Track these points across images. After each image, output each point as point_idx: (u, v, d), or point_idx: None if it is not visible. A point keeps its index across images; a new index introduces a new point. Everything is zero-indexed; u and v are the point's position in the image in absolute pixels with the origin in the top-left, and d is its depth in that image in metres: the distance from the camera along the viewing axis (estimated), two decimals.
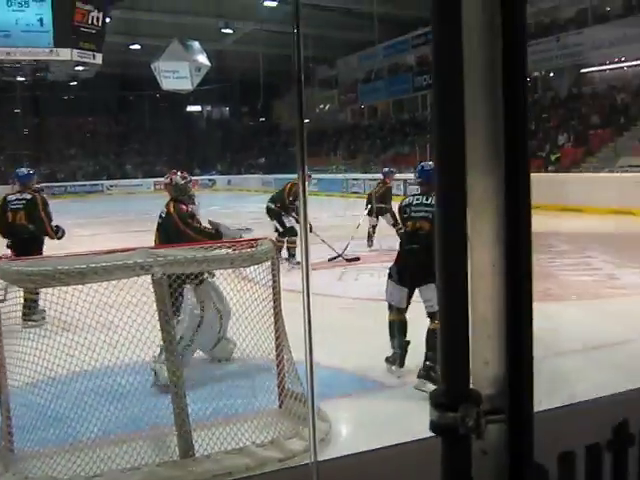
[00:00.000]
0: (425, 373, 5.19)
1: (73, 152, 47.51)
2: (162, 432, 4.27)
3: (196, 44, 23.58)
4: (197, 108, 53.22)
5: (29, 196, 8.53)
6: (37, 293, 6.31)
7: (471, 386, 0.92)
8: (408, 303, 5.65)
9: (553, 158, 25.10)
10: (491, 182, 0.90)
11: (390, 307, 5.73)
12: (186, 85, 23.18)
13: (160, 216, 6.30)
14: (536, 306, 0.92)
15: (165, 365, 4.28)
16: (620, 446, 1.71)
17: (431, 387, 4.26)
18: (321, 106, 46.78)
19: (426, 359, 5.25)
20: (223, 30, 36.82)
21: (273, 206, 11.78)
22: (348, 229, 13.55)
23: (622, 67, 28.41)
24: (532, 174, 0.92)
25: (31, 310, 6.28)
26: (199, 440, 4.04)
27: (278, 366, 4.71)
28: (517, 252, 0.89)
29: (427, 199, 5.60)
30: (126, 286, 4.14)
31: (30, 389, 4.15)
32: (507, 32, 0.90)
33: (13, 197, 8.57)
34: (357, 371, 5.81)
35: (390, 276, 5.65)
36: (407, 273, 5.50)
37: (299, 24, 1.40)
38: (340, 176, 33.19)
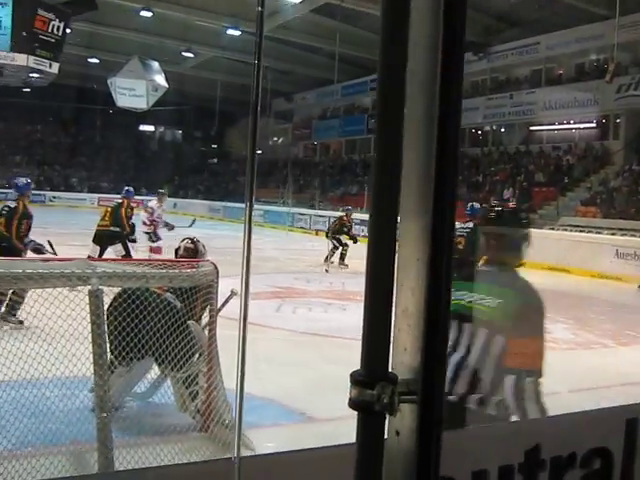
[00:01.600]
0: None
1: (18, 159, 46.55)
2: (82, 448, 4.16)
3: (155, 64, 23.53)
4: (150, 128, 52.80)
5: (13, 205, 8.75)
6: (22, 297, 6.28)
7: (390, 370, 1.00)
8: None
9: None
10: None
11: None
12: (141, 104, 23.08)
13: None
14: None
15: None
16: (531, 470, 1.78)
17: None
18: (275, 138, 46.98)
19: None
20: (184, 53, 36.84)
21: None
22: (289, 262, 13.66)
23: (570, 129, 29.42)
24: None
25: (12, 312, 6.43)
26: (120, 458, 3.95)
27: (207, 390, 4.66)
28: (440, 249, 0.95)
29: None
30: (64, 298, 4.04)
31: None
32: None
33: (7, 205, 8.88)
34: (288, 403, 5.79)
35: None
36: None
37: (260, 56, 1.44)
38: (286, 209, 33.27)
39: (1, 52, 20.00)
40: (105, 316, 4.05)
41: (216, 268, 4.70)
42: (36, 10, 20.23)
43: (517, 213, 4.43)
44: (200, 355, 4.84)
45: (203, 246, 5.96)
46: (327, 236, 16.69)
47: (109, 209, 12.02)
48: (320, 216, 31.24)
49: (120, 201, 12.06)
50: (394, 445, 1.00)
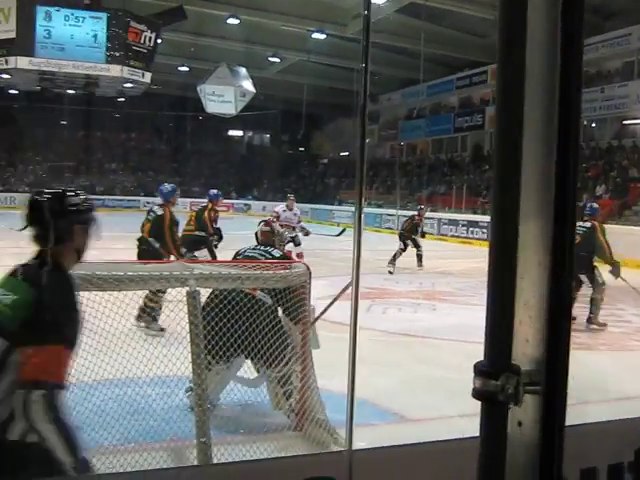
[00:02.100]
0: None
1: (114, 167, 48.20)
2: (182, 444, 4.29)
3: (243, 70, 23.94)
4: (239, 133, 53.77)
5: (160, 212, 8.56)
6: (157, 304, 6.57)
7: (512, 362, 1.01)
8: None
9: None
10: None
11: None
12: (230, 109, 23.53)
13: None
14: None
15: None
16: None
17: None
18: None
19: None
20: (270, 58, 37.32)
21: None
22: (378, 263, 13.66)
23: None
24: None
25: (145, 314, 6.56)
26: (218, 454, 4.05)
27: (301, 390, 4.73)
28: (562, 251, 0.95)
29: None
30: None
31: None
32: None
33: (152, 209, 8.88)
34: (381, 403, 5.80)
35: None
36: None
37: (368, 59, 1.49)
38: (375, 210, 33.24)
39: (97, 64, 20.82)
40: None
41: (308, 269, 4.76)
42: (128, 23, 20.97)
43: None
44: (293, 353, 4.92)
45: (279, 226, 6.12)
46: (400, 237, 16.21)
47: (194, 214, 11.83)
48: (408, 217, 31.08)
49: (205, 204, 11.85)
50: (516, 436, 1.02)
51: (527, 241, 0.98)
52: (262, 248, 5.74)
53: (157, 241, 8.29)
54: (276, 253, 5.74)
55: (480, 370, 1.01)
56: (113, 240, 19.01)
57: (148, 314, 6.98)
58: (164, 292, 6.48)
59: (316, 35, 32.19)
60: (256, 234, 6.12)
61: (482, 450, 1.00)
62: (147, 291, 5.88)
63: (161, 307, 6.61)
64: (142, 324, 7.20)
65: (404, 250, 15.70)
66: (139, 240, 8.58)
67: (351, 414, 1.34)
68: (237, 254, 5.74)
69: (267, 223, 6.24)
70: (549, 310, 0.96)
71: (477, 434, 1.01)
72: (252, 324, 4.46)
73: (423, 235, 16.25)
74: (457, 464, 1.19)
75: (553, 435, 0.98)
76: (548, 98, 0.97)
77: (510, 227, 0.97)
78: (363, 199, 1.60)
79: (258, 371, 5.07)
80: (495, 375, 0.99)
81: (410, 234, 15.96)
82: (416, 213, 16.93)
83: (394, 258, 15.23)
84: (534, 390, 0.99)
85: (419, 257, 15.82)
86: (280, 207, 14.89)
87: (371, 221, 31.72)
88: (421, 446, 1.51)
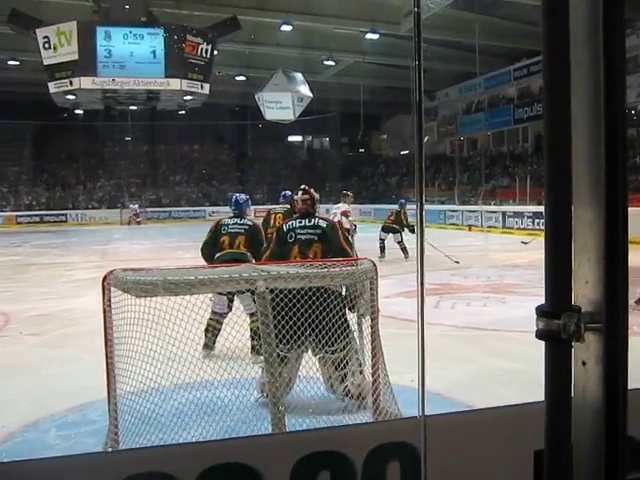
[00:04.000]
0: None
1: (178, 179, 49.15)
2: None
3: (299, 75, 24.12)
4: (298, 138, 54.14)
5: (250, 223, 7.71)
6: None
7: (573, 303, 1.05)
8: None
9: None
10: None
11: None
12: (288, 115, 23.72)
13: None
14: None
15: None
16: None
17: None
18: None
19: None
20: (325, 62, 37.48)
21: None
22: (444, 259, 13.61)
23: None
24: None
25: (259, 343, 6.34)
26: None
27: (374, 385, 4.77)
28: (616, 191, 0.98)
29: None
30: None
31: (133, 397, 4.32)
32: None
33: (231, 221, 7.65)
34: (453, 396, 5.79)
35: None
36: None
37: (421, 56, 1.54)
38: (438, 207, 33.03)
39: (157, 79, 21.32)
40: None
41: (374, 265, 4.80)
42: (185, 36, 21.40)
43: None
44: (351, 338, 5.05)
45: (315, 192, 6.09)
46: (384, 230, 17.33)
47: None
48: (472, 211, 30.79)
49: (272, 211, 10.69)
50: (580, 375, 1.05)
51: (582, 183, 1.02)
52: (308, 223, 5.77)
53: (253, 255, 7.33)
54: (322, 223, 5.79)
55: (542, 311, 1.05)
56: (183, 250, 19.41)
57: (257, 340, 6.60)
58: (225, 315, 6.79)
59: (369, 35, 32.21)
60: (291, 203, 6.01)
61: (548, 388, 1.03)
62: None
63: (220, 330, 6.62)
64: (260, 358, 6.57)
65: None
66: (224, 257, 7.31)
67: (422, 379, 1.38)
68: (282, 230, 5.90)
69: (306, 191, 6.04)
70: (607, 252, 1.00)
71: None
72: (319, 309, 4.53)
73: (413, 230, 16.44)
74: (528, 427, 1.22)
75: (617, 373, 1.00)
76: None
77: (564, 170, 1.00)
78: (423, 195, 1.63)
79: (314, 353, 5.11)
80: (557, 315, 1.03)
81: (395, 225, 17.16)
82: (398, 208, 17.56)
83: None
84: (596, 327, 1.02)
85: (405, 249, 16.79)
86: (343, 206, 15.07)
87: (434, 218, 31.51)
88: (493, 411, 1.54)
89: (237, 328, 4.63)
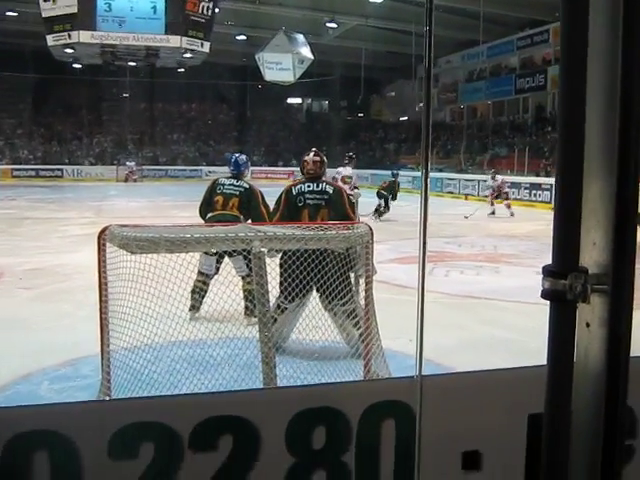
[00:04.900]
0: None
1: (175, 137, 48.84)
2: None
3: (300, 37, 23.87)
4: (298, 100, 53.71)
5: (247, 185, 7.37)
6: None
7: (580, 264, 1.05)
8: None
9: None
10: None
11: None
12: (288, 77, 23.53)
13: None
14: None
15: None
16: None
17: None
18: (421, 104, 46.38)
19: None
20: (328, 24, 37.05)
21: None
22: (440, 227, 13.62)
23: None
24: None
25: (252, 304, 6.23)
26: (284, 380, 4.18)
27: (365, 348, 4.79)
28: (627, 158, 0.97)
29: None
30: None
31: (126, 353, 4.33)
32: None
33: (227, 182, 7.39)
34: (442, 362, 5.83)
35: None
36: None
37: (432, 21, 1.52)
38: (435, 175, 32.94)
39: (157, 35, 21.07)
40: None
41: (371, 229, 4.80)
42: None
43: None
44: (354, 295, 5.38)
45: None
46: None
47: None
48: (469, 180, 30.74)
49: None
50: (584, 337, 1.05)
51: (593, 149, 1.00)
52: (316, 188, 5.99)
53: (246, 219, 7.14)
54: (329, 188, 6.07)
55: (548, 271, 1.04)
56: (178, 209, 19.36)
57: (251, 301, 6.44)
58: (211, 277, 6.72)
59: None
60: (302, 163, 6.20)
61: (552, 347, 1.02)
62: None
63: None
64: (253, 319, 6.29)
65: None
66: (216, 217, 7.16)
67: (421, 338, 1.39)
68: (291, 193, 6.04)
69: (317, 152, 6.29)
70: (616, 215, 0.99)
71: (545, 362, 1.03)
72: (325, 265, 4.69)
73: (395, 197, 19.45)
74: (524, 391, 1.22)
75: (620, 335, 1.00)
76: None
77: (576, 132, 0.99)
78: (429, 163, 1.62)
79: (326, 308, 5.30)
80: (563, 275, 1.02)
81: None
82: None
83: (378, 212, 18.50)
84: (602, 289, 1.02)
85: (381, 213, 18.76)
86: (347, 169, 15.17)
87: (432, 186, 31.44)
88: (490, 373, 1.55)
89: (227, 291, 4.63)
